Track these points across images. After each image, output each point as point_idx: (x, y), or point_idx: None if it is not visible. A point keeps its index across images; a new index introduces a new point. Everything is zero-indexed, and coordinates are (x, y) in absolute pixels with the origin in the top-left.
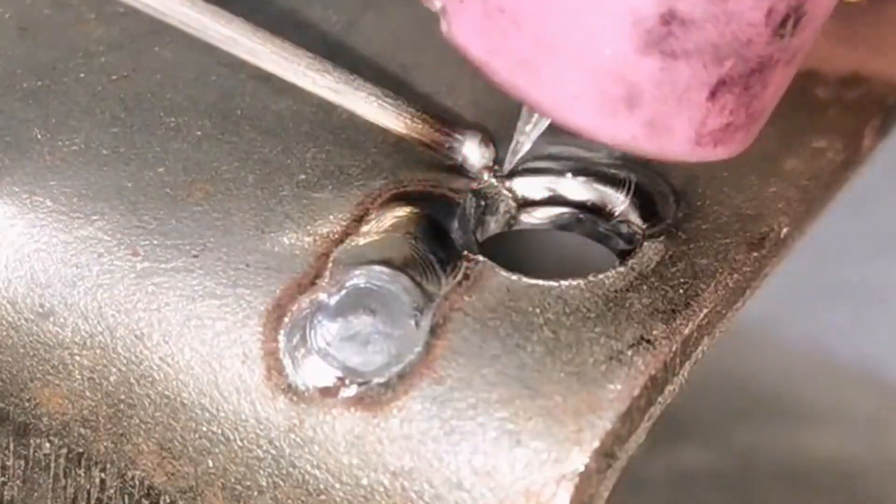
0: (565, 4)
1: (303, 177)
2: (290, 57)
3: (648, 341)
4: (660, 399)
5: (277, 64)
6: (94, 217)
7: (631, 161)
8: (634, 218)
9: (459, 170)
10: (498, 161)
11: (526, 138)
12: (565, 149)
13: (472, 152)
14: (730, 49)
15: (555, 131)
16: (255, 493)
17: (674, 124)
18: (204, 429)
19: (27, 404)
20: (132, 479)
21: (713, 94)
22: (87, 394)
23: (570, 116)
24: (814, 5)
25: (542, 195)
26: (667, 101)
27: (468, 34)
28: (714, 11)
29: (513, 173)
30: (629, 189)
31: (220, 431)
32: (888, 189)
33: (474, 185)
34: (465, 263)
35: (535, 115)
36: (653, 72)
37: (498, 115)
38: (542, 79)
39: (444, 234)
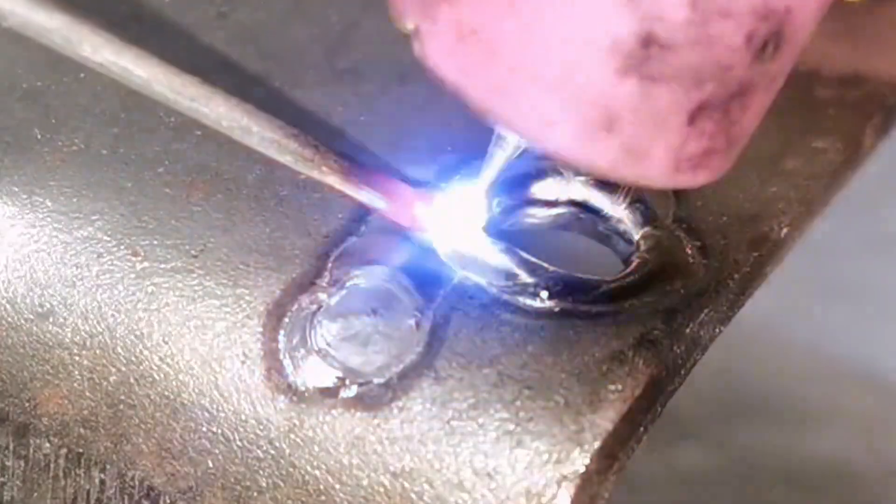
0: (541, 28)
1: (303, 177)
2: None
3: (650, 341)
4: (660, 399)
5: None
6: (94, 217)
7: None
8: (635, 218)
9: None
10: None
11: (498, 160)
12: None
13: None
14: (710, 73)
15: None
16: (255, 494)
17: (652, 149)
18: (204, 429)
19: (27, 404)
20: (132, 479)
21: (692, 119)
22: (87, 394)
23: (547, 141)
24: (793, 30)
25: (546, 196)
26: (645, 126)
27: (441, 56)
28: (695, 35)
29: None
30: (629, 190)
31: (219, 432)
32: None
33: None
34: None
35: (509, 138)
36: (631, 96)
37: None
38: (517, 103)
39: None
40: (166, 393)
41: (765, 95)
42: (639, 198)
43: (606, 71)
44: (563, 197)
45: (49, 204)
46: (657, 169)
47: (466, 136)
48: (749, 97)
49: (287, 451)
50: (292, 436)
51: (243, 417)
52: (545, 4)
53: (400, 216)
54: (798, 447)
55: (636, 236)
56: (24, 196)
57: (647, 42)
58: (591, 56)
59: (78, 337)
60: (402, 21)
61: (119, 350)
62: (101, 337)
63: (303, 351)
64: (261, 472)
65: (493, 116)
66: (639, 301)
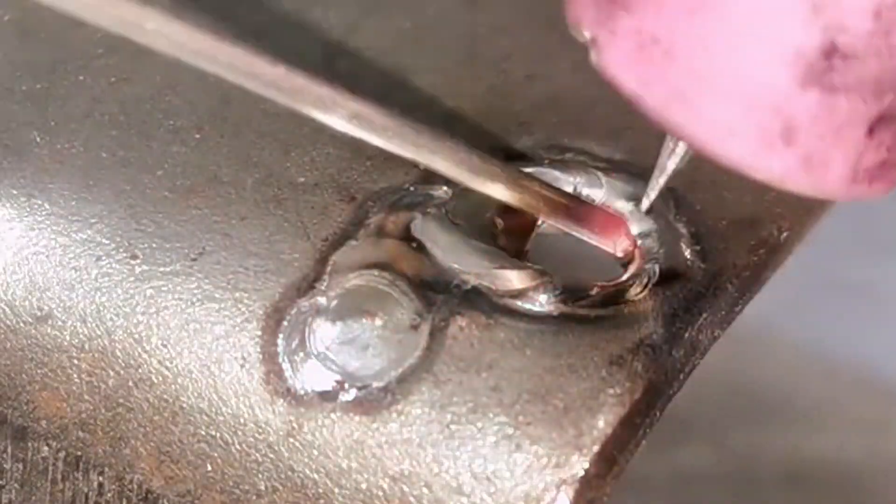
0: (723, 36)
1: (302, 180)
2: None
3: (648, 346)
4: (660, 403)
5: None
6: (93, 220)
7: (631, 165)
8: (634, 222)
9: None
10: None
11: (666, 172)
12: (569, 155)
13: None
14: (890, 84)
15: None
16: (254, 497)
17: (830, 160)
18: (202, 432)
19: (25, 407)
20: (130, 482)
21: (871, 130)
22: (86, 397)
23: (725, 150)
24: None
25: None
26: (824, 137)
27: (620, 66)
28: (877, 45)
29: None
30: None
31: (218, 435)
32: None
33: None
34: None
35: (679, 148)
36: (811, 106)
37: (499, 117)
38: (696, 112)
39: None
40: (165, 396)
41: None
42: (638, 201)
43: (788, 81)
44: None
45: (48, 207)
46: (834, 180)
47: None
48: None
49: (286, 454)
50: (291, 439)
51: (242, 421)
52: (729, 14)
53: (609, 243)
54: (798, 447)
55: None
56: (23, 199)
57: (830, 53)
58: (774, 65)
59: (76, 340)
60: (578, 31)
61: (118, 353)
62: (99, 340)
63: (302, 354)
64: (259, 475)
65: (671, 125)
66: (637, 305)
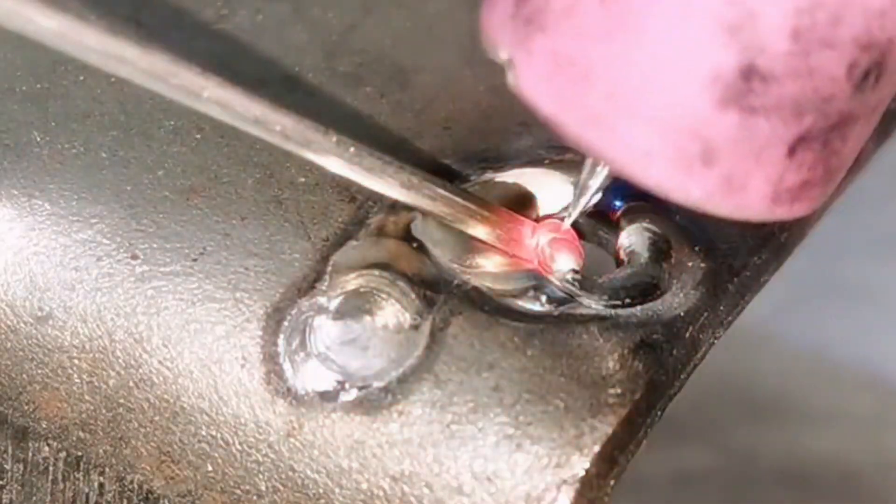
0: (640, 59)
1: (302, 180)
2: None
3: (649, 346)
4: (660, 403)
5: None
6: (94, 220)
7: None
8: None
9: None
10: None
11: (589, 192)
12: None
13: None
14: (810, 104)
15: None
16: (255, 498)
17: (750, 181)
18: (203, 433)
19: (26, 408)
20: (131, 482)
21: (792, 151)
22: (86, 397)
23: (644, 173)
24: (895, 59)
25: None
26: (744, 158)
27: (537, 87)
28: (796, 66)
29: None
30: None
31: (219, 435)
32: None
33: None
34: None
35: (599, 168)
36: (731, 128)
37: (500, 117)
38: (614, 134)
39: None
40: (165, 396)
41: (864, 126)
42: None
43: (706, 103)
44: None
45: (48, 207)
46: (755, 201)
47: (466, 142)
48: (849, 128)
49: (286, 454)
50: (292, 439)
51: (243, 421)
52: (644, 35)
53: (518, 250)
54: (798, 447)
55: (636, 241)
56: (24, 199)
57: (748, 74)
58: (691, 88)
59: (77, 340)
60: (495, 51)
61: (118, 353)
62: (100, 340)
63: (302, 354)
64: (260, 475)
65: (589, 146)
66: (638, 306)
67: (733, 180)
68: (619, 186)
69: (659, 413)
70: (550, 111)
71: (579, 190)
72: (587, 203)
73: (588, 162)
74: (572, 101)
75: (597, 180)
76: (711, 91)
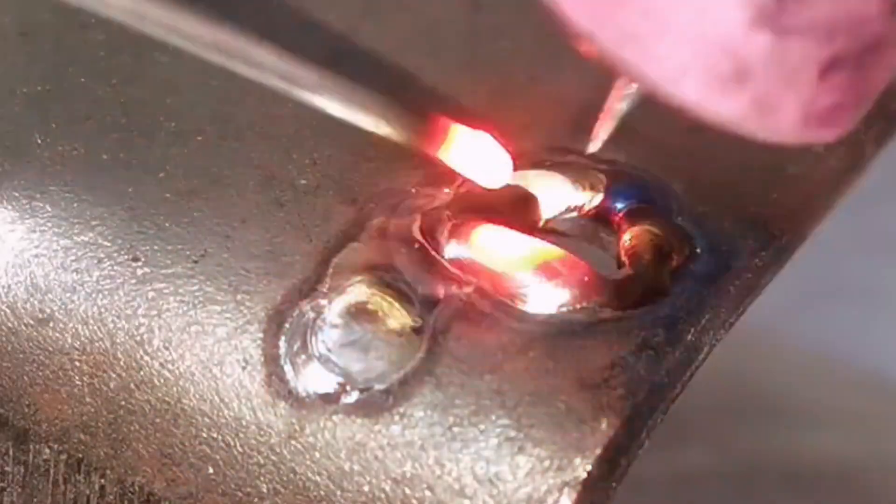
0: None
1: (304, 182)
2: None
3: (651, 348)
4: (662, 405)
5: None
6: (95, 222)
7: (633, 167)
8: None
9: None
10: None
11: (617, 113)
12: (571, 157)
13: None
14: (843, 27)
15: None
16: (256, 500)
17: (782, 103)
18: (204, 435)
19: (27, 410)
20: (132, 485)
21: (824, 73)
22: (87, 399)
23: (677, 91)
24: None
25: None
26: (777, 79)
27: (573, 4)
28: None
29: None
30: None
31: (220, 437)
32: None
33: None
34: None
35: (629, 90)
36: (764, 48)
37: (502, 119)
38: (649, 52)
39: None
40: (166, 398)
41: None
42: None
43: (739, 22)
44: (566, 203)
45: (49, 209)
46: (786, 123)
47: None
48: (881, 53)
49: (288, 456)
50: (293, 442)
51: (244, 423)
52: None
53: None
54: (798, 447)
55: (638, 243)
56: (24, 201)
57: None
58: (725, 6)
59: (78, 342)
60: None
61: (119, 355)
62: (101, 342)
63: (303, 357)
64: (261, 477)
65: (624, 64)
66: (640, 307)
67: (765, 101)
68: (620, 189)
69: (661, 415)
70: (587, 28)
71: (606, 112)
72: (612, 127)
73: (617, 85)
74: (608, 18)
75: (625, 103)
76: (745, 10)
